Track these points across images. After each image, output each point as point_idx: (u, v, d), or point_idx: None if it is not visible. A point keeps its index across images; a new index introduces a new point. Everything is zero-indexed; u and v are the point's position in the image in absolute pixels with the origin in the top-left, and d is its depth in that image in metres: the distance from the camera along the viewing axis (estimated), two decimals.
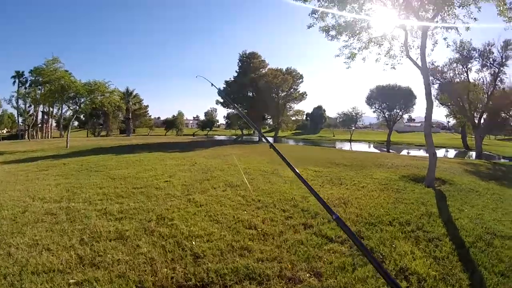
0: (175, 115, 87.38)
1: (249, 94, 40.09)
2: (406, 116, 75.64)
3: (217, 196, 8.01)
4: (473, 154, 47.48)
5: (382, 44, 13.97)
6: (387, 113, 63.51)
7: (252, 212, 6.66)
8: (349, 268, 4.20)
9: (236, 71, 43.05)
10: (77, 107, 28.41)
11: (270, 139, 50.71)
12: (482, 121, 37.04)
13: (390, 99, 61.08)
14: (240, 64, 42.39)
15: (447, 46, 13.93)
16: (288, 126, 44.98)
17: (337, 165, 14.93)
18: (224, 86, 42.10)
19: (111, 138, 47.06)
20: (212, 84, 4.71)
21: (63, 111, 60.58)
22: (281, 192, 8.49)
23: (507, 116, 36.92)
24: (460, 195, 9.15)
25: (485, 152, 51.01)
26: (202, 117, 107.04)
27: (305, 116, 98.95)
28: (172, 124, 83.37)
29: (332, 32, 13.51)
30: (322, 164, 14.99)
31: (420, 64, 12.15)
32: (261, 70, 40.09)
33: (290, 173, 11.12)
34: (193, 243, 4.94)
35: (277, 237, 5.25)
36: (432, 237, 5.46)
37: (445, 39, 13.19)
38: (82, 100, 27.48)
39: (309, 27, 13.45)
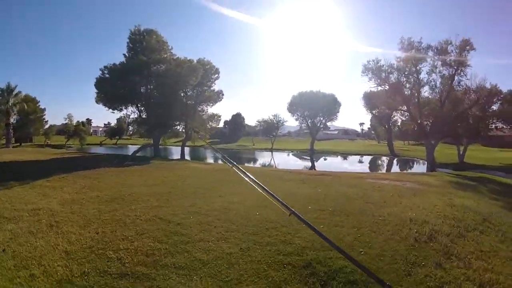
0: (78, 121, 70.29)
1: (141, 89, 26.96)
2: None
3: None
4: (395, 160, 41.71)
5: None
6: (309, 120, 55.83)
7: None
8: None
9: (124, 55, 28.23)
10: None
11: (177, 150, 39.10)
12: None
13: (313, 106, 53.60)
14: (131, 45, 27.49)
15: None
16: (200, 134, 32.91)
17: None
18: (102, 74, 26.55)
19: None
20: None
21: None
22: None
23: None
24: None
25: (406, 157, 45.29)
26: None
27: (223, 124, 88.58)
28: (67, 131, 66.29)
29: None
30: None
31: None
32: (162, 54, 26.71)
33: None
34: None
35: None
36: None
37: None
38: None
39: None
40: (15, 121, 53.77)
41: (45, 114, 63.64)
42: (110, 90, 25.45)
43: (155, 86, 26.29)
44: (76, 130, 63.41)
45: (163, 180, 12.11)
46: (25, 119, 55.95)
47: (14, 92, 47.02)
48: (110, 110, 26.76)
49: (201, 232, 5.94)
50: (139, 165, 17.52)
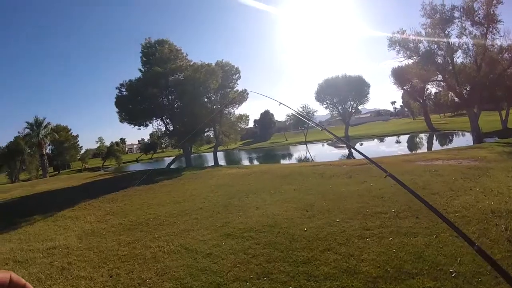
0: (112, 142, 71.51)
1: (164, 101, 25.88)
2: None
3: None
4: (436, 136, 38.86)
5: None
6: (340, 107, 53.49)
7: None
8: None
9: (139, 70, 27.23)
10: None
11: (212, 156, 37.70)
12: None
13: (341, 91, 51.16)
14: (144, 59, 26.43)
15: None
16: (230, 138, 31.63)
17: None
18: (120, 92, 25.88)
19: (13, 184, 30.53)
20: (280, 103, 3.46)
21: None
22: None
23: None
24: None
25: (446, 131, 42.36)
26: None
27: (253, 123, 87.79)
28: (101, 153, 67.81)
29: None
30: None
31: None
32: (178, 62, 25.79)
33: None
34: None
35: None
36: None
37: None
38: None
39: None
40: (50, 151, 55.29)
41: (78, 140, 65.29)
42: (131, 107, 24.73)
43: (176, 95, 25.41)
44: (110, 151, 64.40)
45: (192, 194, 10.89)
46: (59, 148, 57.99)
47: (43, 124, 47.82)
48: (136, 127, 26.19)
49: (237, 265, 4.54)
50: (169, 178, 16.46)
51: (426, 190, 7.65)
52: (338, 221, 5.90)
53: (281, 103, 3.62)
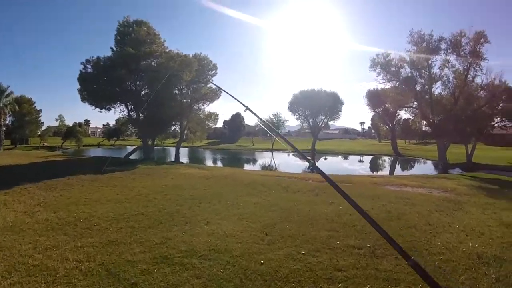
0: (75, 122, 68.22)
1: (131, 85, 23.90)
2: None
3: None
4: (401, 161, 39.19)
5: None
6: (311, 120, 53.45)
7: None
8: None
9: (111, 48, 25.17)
10: None
11: (172, 151, 35.96)
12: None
13: (314, 105, 51.11)
14: (119, 37, 24.42)
15: None
16: (196, 135, 30.20)
17: None
18: (84, 68, 23.40)
19: None
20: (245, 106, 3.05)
21: None
22: None
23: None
24: None
25: (411, 157, 42.89)
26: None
27: (222, 124, 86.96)
28: (61, 132, 64.61)
29: None
30: None
31: None
32: (153, 47, 23.74)
33: None
34: None
35: None
36: None
37: None
38: None
39: None
40: (10, 123, 51.73)
41: (41, 116, 61.49)
42: (95, 87, 22.59)
43: (145, 82, 23.64)
44: (71, 131, 60.88)
45: (139, 194, 9.50)
46: (20, 120, 54.13)
47: (6, 93, 44.32)
48: (98, 109, 24.04)
49: None
50: (122, 171, 14.89)
51: (402, 221, 6.84)
52: (303, 253, 4.79)
53: (247, 108, 3.20)
